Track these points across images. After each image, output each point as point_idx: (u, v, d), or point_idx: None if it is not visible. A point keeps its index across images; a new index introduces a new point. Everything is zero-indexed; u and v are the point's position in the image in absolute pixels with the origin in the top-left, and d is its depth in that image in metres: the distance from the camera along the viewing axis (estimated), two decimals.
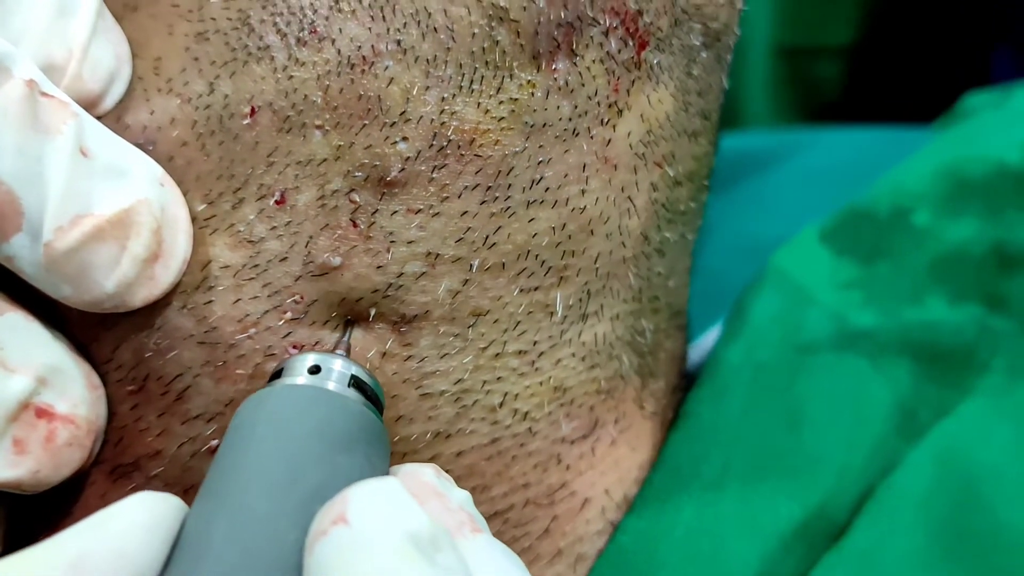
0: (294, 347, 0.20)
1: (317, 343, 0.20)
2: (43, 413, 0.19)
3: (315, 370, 0.18)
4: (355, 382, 0.18)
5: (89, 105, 0.20)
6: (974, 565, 0.22)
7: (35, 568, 0.14)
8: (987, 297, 0.28)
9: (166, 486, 0.20)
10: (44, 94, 0.18)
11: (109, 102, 0.20)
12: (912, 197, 0.31)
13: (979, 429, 0.24)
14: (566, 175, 0.21)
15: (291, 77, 0.20)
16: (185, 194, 0.20)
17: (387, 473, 0.18)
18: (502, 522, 0.22)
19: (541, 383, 0.22)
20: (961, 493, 0.23)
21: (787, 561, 0.23)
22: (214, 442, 0.20)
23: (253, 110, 0.20)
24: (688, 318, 0.31)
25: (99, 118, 0.20)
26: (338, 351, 0.19)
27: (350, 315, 0.20)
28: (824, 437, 0.25)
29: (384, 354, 0.20)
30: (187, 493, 0.20)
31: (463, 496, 0.18)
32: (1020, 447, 0.24)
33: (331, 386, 0.18)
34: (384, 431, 0.18)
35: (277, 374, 0.18)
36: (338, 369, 0.18)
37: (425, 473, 0.18)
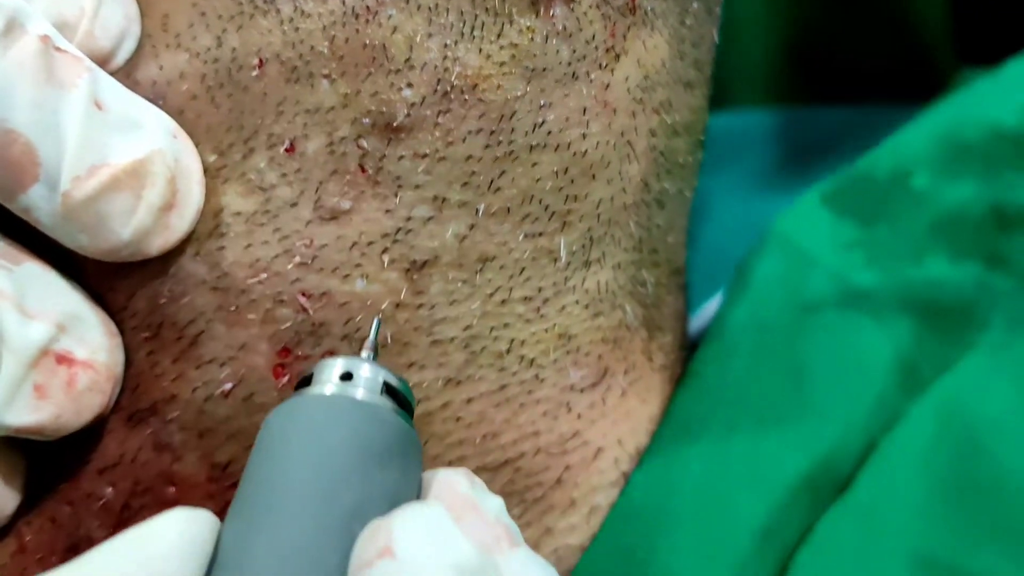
0: (303, 295, 0.20)
1: (325, 293, 0.20)
2: (63, 359, 0.19)
3: (346, 376, 0.18)
4: (386, 388, 0.18)
5: (100, 62, 0.20)
6: (976, 513, 0.22)
7: None
8: (986, 256, 0.28)
9: (181, 430, 0.21)
10: (58, 49, 0.19)
11: (120, 59, 0.21)
12: (911, 160, 0.31)
13: (979, 382, 0.25)
14: (567, 119, 0.22)
15: (297, 29, 0.20)
16: (197, 146, 0.20)
17: (420, 481, 0.18)
18: (513, 471, 0.22)
19: (546, 330, 0.22)
20: (963, 445, 0.23)
21: (794, 512, 0.23)
22: (227, 385, 0.20)
23: (261, 62, 0.20)
24: (689, 289, 0.32)
25: (111, 75, 0.20)
26: (365, 352, 0.19)
27: (361, 263, 0.21)
28: (828, 392, 0.25)
29: (398, 304, 0.21)
30: (202, 437, 0.21)
31: (497, 505, 0.18)
32: (1020, 398, 0.24)
33: (362, 394, 0.18)
34: (416, 437, 0.18)
35: (306, 380, 0.18)
36: (369, 376, 0.18)
37: (460, 483, 0.18)
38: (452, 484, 0.18)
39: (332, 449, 0.16)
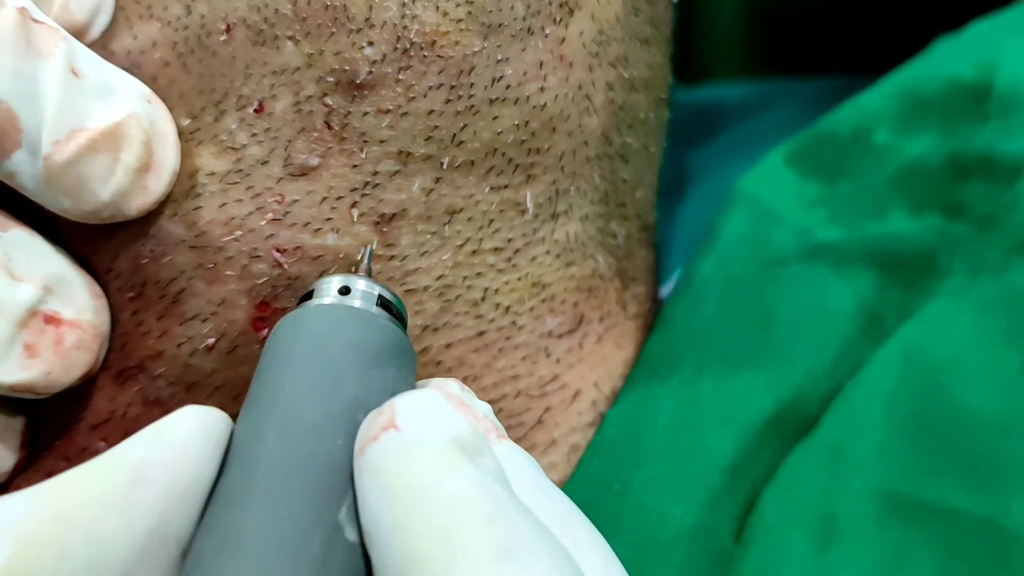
0: (277, 250, 0.21)
1: (298, 247, 0.21)
2: (51, 319, 0.20)
3: (344, 291, 0.19)
4: (381, 301, 0.19)
5: (77, 34, 0.21)
6: (935, 448, 0.23)
7: (99, 477, 0.15)
8: (945, 205, 0.29)
9: (169, 385, 0.22)
10: (35, 21, 0.20)
11: (95, 31, 0.21)
12: (872, 117, 0.32)
13: (940, 325, 0.25)
14: (524, 73, 0.23)
15: None
16: (171, 111, 0.21)
17: (415, 385, 0.20)
18: (495, 412, 0.23)
19: (519, 279, 0.24)
20: (924, 385, 0.24)
21: (761, 451, 0.24)
22: (210, 340, 0.21)
23: (228, 27, 0.21)
24: (671, 257, 0.32)
25: (88, 48, 0.21)
26: (360, 273, 0.21)
27: (331, 217, 0.22)
28: (793, 338, 0.26)
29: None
30: (189, 391, 0.22)
31: (485, 407, 0.19)
32: (979, 337, 0.25)
33: (360, 304, 0.19)
34: (411, 346, 0.19)
35: (308, 296, 0.20)
36: (364, 289, 0.19)
37: (451, 385, 0.19)
38: (445, 385, 0.19)
39: (333, 351, 0.18)
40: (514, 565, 0.14)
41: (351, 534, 0.16)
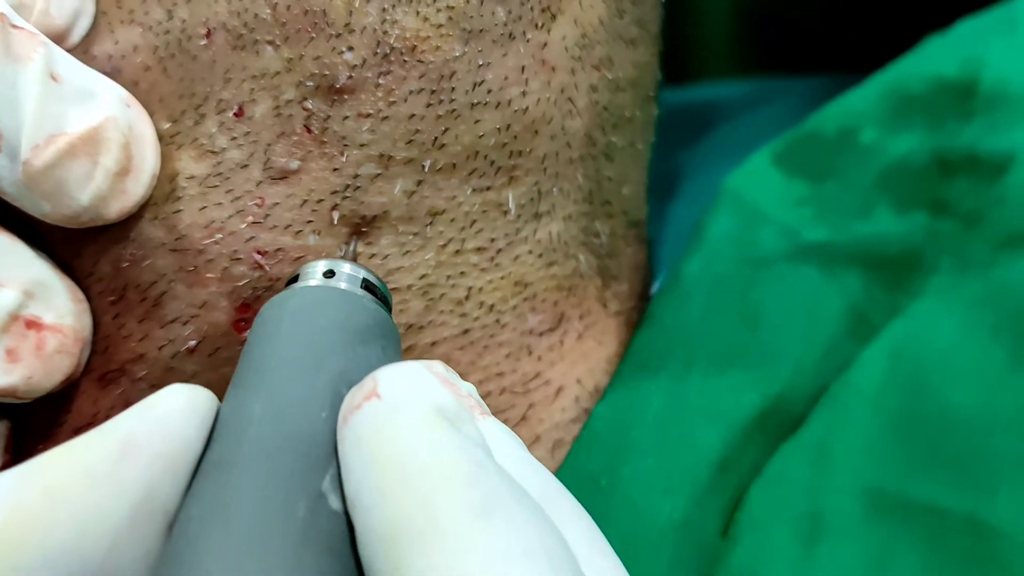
0: (258, 252, 0.21)
1: (279, 249, 0.21)
2: (32, 324, 0.20)
3: (329, 274, 0.19)
4: (365, 284, 0.20)
5: (57, 39, 0.21)
6: (922, 445, 0.23)
7: (88, 451, 0.16)
8: (931, 203, 0.29)
9: (151, 387, 0.22)
10: (14, 26, 0.20)
11: (76, 36, 0.21)
12: (858, 117, 0.32)
13: (927, 323, 0.25)
14: (506, 77, 0.23)
15: None
16: (151, 115, 0.21)
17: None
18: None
19: (502, 277, 0.24)
20: (911, 382, 0.24)
21: (748, 449, 0.24)
22: (192, 342, 0.21)
23: (209, 32, 0.21)
24: (662, 256, 0.32)
25: (68, 52, 0.21)
26: (345, 259, 0.21)
27: (312, 220, 0.22)
28: (780, 336, 0.26)
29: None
30: None
31: (470, 387, 0.19)
32: (965, 334, 0.25)
33: (345, 286, 0.19)
34: (395, 328, 0.20)
35: (294, 280, 0.20)
36: (349, 272, 0.20)
37: (435, 365, 0.19)
38: (430, 364, 0.19)
39: (318, 328, 0.18)
40: (493, 524, 0.14)
41: (335, 502, 0.16)
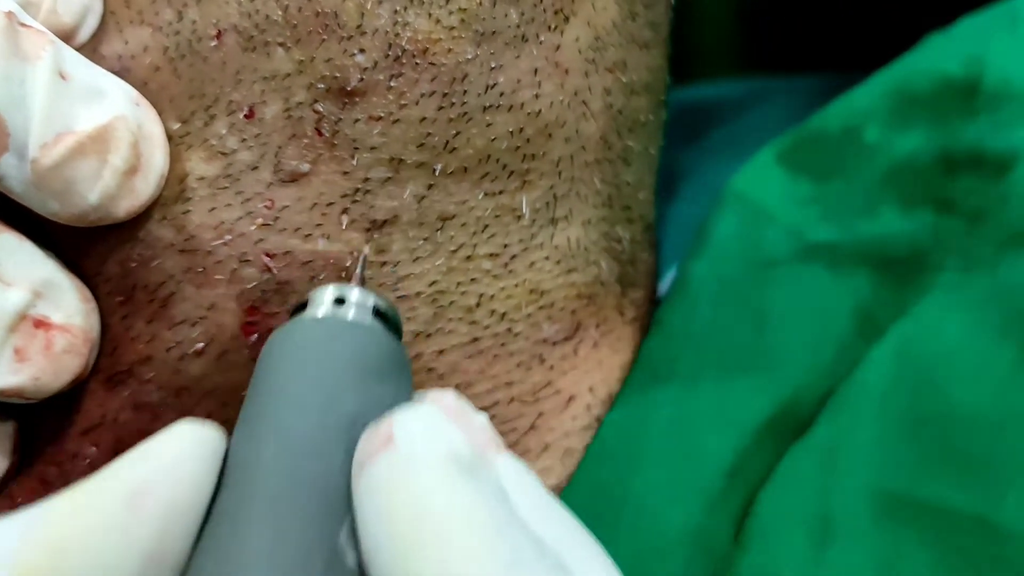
0: (267, 254, 0.21)
1: (288, 252, 0.21)
2: (40, 324, 0.20)
3: (338, 302, 0.19)
4: (376, 311, 0.19)
5: (65, 38, 0.21)
6: (930, 446, 0.22)
7: (97, 499, 0.15)
8: (936, 202, 0.29)
9: (159, 389, 0.21)
10: (23, 25, 0.19)
11: (84, 35, 0.21)
12: (862, 115, 0.32)
13: (934, 322, 0.25)
14: (519, 80, 0.22)
15: (252, 0, 0.21)
16: (161, 115, 0.21)
17: (411, 398, 0.19)
18: (489, 418, 0.23)
19: (516, 285, 0.23)
20: (918, 382, 0.24)
21: (759, 454, 0.24)
22: (200, 344, 0.21)
23: (219, 33, 0.21)
24: (665, 255, 0.32)
25: (77, 51, 0.21)
26: (354, 282, 0.20)
27: (321, 223, 0.21)
28: (789, 339, 0.26)
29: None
30: (178, 396, 0.21)
31: (483, 418, 0.19)
32: (971, 333, 0.25)
33: (353, 316, 0.19)
34: (406, 355, 0.19)
35: (301, 307, 0.19)
36: (359, 300, 0.19)
37: (448, 397, 0.19)
38: (442, 397, 0.19)
39: (329, 364, 0.17)
40: None
41: (351, 559, 0.15)
